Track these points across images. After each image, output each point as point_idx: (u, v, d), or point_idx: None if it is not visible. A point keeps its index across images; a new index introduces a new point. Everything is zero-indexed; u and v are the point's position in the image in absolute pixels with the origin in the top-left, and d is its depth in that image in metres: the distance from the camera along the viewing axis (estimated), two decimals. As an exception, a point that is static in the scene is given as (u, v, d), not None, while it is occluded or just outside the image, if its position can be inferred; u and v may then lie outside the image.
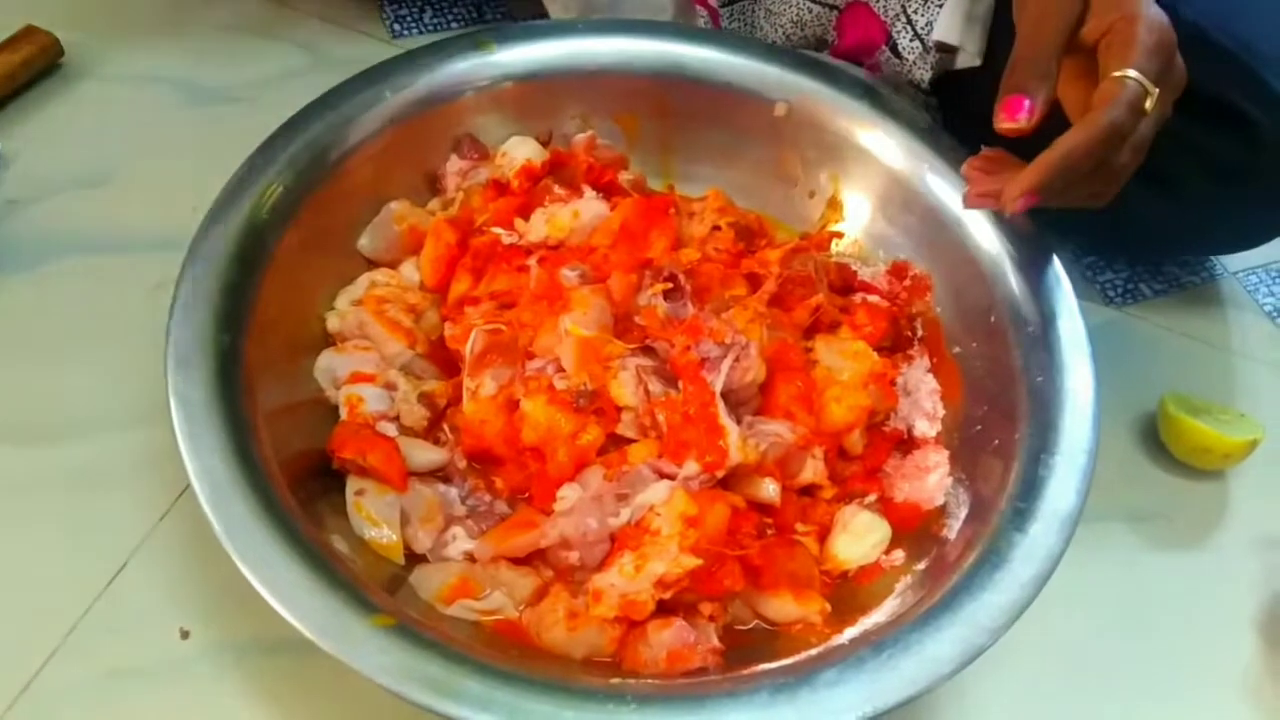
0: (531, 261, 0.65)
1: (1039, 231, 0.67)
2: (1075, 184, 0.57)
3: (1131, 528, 0.70)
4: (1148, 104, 0.56)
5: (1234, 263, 0.86)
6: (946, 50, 0.76)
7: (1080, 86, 0.58)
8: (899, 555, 0.60)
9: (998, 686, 0.61)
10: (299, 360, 0.62)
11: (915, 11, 0.76)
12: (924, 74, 0.78)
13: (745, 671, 0.52)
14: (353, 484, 0.58)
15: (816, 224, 0.75)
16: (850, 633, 0.55)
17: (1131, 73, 0.55)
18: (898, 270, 0.72)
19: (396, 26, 0.89)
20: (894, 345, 0.68)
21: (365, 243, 0.68)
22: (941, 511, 0.62)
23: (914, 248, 0.72)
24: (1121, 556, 0.68)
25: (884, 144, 0.72)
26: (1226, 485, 0.73)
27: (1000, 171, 0.61)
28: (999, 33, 0.74)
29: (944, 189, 0.70)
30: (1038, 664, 0.63)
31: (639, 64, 0.74)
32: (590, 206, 0.68)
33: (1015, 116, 0.57)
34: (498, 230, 0.67)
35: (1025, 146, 0.59)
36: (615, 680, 0.51)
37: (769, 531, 0.60)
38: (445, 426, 0.62)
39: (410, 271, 0.68)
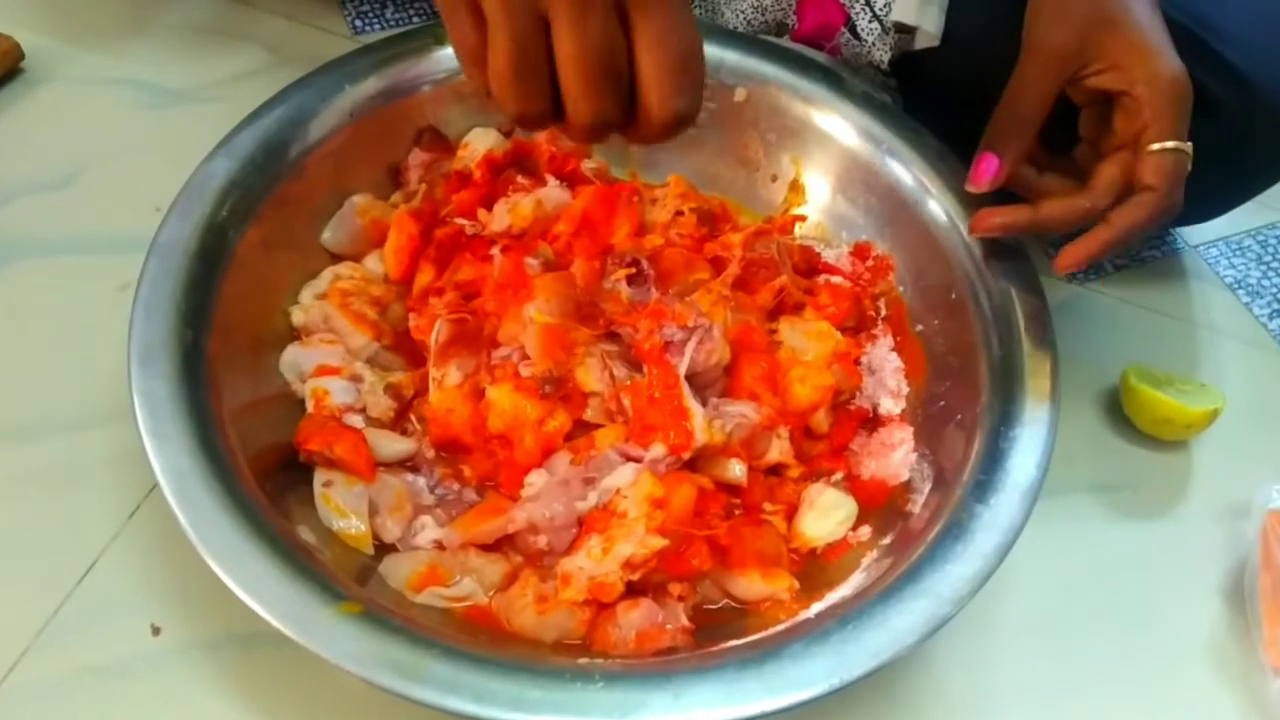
0: (495, 251, 0.65)
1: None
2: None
3: (1097, 499, 0.71)
4: (1189, 166, 0.58)
5: (1194, 236, 0.87)
6: (905, 31, 0.77)
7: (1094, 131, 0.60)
8: (865, 531, 0.61)
9: (964, 657, 0.62)
10: (264, 355, 0.62)
11: (873, -7, 0.77)
12: (883, 55, 0.78)
13: (713, 648, 0.53)
14: (320, 475, 0.58)
15: (779, 208, 0.75)
16: (817, 607, 0.55)
17: (1171, 145, 0.58)
18: (860, 251, 0.72)
19: (358, 23, 0.89)
20: (858, 325, 0.69)
21: (328, 236, 0.68)
22: (907, 487, 0.62)
23: (876, 228, 0.72)
24: (1087, 527, 0.69)
25: (843, 127, 0.73)
26: (1189, 455, 0.73)
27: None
28: (957, 13, 0.75)
29: (903, 170, 0.71)
30: (1004, 634, 0.63)
31: (599, 53, 0.74)
32: (553, 195, 0.68)
33: (978, 180, 0.61)
34: (461, 221, 0.67)
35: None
36: (583, 660, 0.52)
37: (737, 511, 0.60)
38: (412, 417, 0.62)
39: (374, 264, 0.68)
